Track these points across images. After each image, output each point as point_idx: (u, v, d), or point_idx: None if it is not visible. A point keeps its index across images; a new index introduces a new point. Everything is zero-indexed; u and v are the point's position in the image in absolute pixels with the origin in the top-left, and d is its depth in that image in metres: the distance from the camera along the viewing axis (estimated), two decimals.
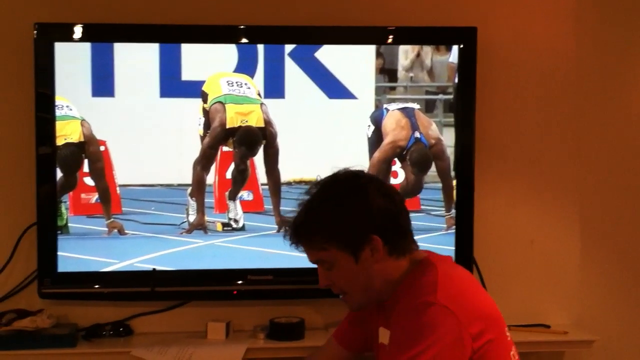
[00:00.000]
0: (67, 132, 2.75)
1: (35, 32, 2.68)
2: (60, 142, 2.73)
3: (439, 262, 1.96)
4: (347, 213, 1.92)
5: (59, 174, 2.75)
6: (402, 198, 2.06)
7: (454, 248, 2.86)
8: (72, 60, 2.73)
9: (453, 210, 2.89)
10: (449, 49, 2.88)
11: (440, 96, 2.94)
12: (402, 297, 1.93)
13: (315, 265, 2.75)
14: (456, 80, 2.86)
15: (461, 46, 2.84)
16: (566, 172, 3.03)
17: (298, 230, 1.97)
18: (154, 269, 2.75)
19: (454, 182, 2.89)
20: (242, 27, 2.78)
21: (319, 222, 1.94)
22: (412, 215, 2.85)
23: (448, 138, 2.89)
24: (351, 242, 1.91)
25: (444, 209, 2.91)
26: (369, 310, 2.11)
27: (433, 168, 2.90)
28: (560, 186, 3.03)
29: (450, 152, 2.89)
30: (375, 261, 1.93)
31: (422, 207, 2.93)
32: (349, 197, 1.93)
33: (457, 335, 1.79)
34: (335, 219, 1.92)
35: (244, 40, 2.79)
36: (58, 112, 2.72)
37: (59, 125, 2.72)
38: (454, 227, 2.89)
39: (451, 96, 2.90)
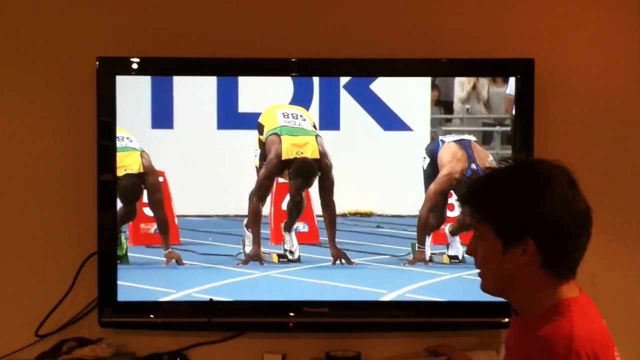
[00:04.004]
0: (127, 163, 2.80)
1: (97, 65, 2.74)
2: (120, 172, 2.79)
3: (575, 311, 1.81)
4: (515, 206, 1.79)
5: (119, 204, 2.81)
6: (589, 211, 1.86)
7: None
8: (132, 92, 2.79)
9: None
10: (505, 81, 2.86)
11: (498, 128, 2.91)
12: (537, 326, 1.81)
13: (370, 299, 2.79)
14: (513, 112, 2.84)
15: (518, 77, 2.82)
16: (629, 206, 2.97)
17: (471, 193, 1.88)
18: (210, 299, 2.77)
19: None
20: (297, 59, 2.81)
21: (489, 197, 1.83)
22: None
23: None
24: (506, 233, 1.80)
25: None
26: None
27: None
28: (623, 219, 2.96)
29: None
30: (524, 263, 1.80)
31: None
32: (530, 191, 1.79)
33: None
34: (502, 203, 1.81)
35: (300, 73, 2.82)
36: (119, 144, 2.77)
37: (119, 156, 2.77)
38: None
39: (508, 128, 2.87)
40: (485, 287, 1.91)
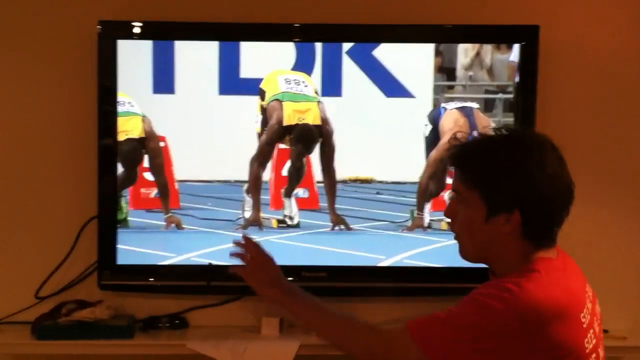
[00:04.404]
0: (128, 128, 2.80)
1: (98, 29, 2.73)
2: (121, 137, 2.79)
3: (537, 276, 1.79)
4: (508, 177, 1.80)
5: (120, 168, 2.81)
6: (572, 189, 1.86)
7: None
8: (133, 57, 2.78)
9: None
10: (509, 48, 2.83)
11: (500, 95, 2.89)
12: None
13: (368, 264, 2.79)
14: (517, 80, 2.82)
15: (522, 44, 2.79)
16: (627, 174, 2.96)
17: (461, 155, 1.87)
18: (210, 264, 2.79)
19: None
20: (300, 25, 2.79)
21: (481, 166, 1.83)
22: None
23: None
24: (493, 201, 1.81)
25: None
26: None
27: None
28: (620, 187, 2.96)
29: None
30: (504, 233, 1.81)
31: None
32: (524, 164, 1.79)
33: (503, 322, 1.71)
34: (494, 174, 1.81)
35: (302, 39, 2.80)
36: (120, 108, 2.77)
37: (120, 121, 2.78)
38: None
39: (511, 95, 2.85)
40: (463, 253, 1.91)
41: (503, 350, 1.73)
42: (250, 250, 2.15)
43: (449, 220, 1.93)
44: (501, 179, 1.80)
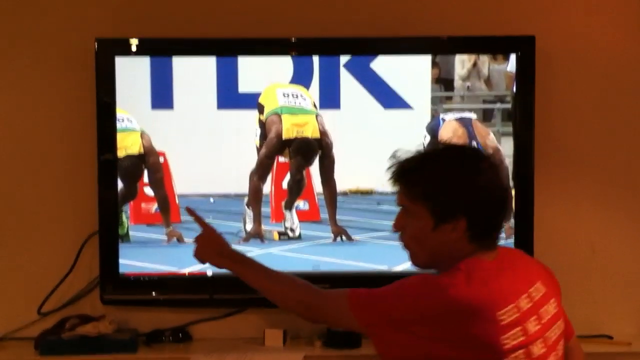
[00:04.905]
0: (127, 144, 2.82)
1: (96, 46, 2.75)
2: (121, 153, 2.81)
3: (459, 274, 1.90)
4: (452, 187, 1.90)
5: (120, 184, 2.83)
6: (509, 197, 2.07)
7: None
8: (132, 73, 2.80)
9: (512, 220, 2.85)
10: (506, 58, 2.85)
11: (498, 105, 2.91)
12: None
13: (371, 269, 2.79)
14: (514, 89, 2.83)
15: (519, 54, 2.81)
16: (628, 181, 2.97)
17: (403, 174, 1.96)
18: (212, 276, 2.80)
19: (513, 192, 2.85)
20: (297, 39, 2.80)
21: (425, 179, 1.93)
22: None
23: (506, 147, 2.86)
24: (440, 212, 1.90)
25: None
26: None
27: None
28: (621, 194, 2.97)
29: (508, 161, 2.85)
30: (452, 239, 1.91)
31: None
32: (464, 173, 1.92)
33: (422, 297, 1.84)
34: (439, 185, 1.91)
35: (300, 52, 2.82)
36: (119, 125, 2.79)
37: (119, 137, 2.79)
38: (513, 236, 2.85)
39: (509, 105, 2.86)
40: (414, 261, 2.00)
41: (420, 334, 1.84)
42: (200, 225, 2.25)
43: (398, 232, 2.02)
44: (443, 190, 1.91)
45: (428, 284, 1.86)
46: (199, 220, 2.23)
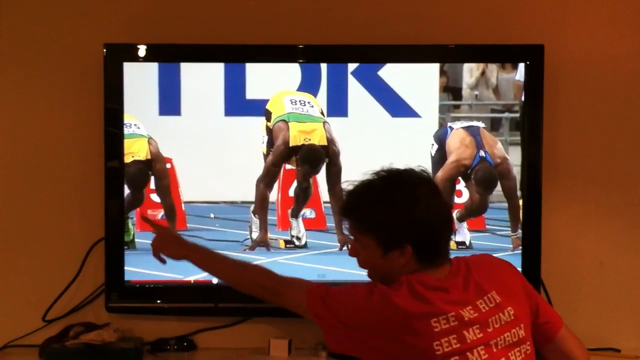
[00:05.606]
0: (134, 150, 2.81)
1: (104, 52, 2.75)
2: (128, 159, 2.80)
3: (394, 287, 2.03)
4: (393, 220, 2.04)
5: (127, 190, 2.82)
6: (450, 211, 2.21)
7: (520, 269, 2.80)
8: (139, 79, 2.80)
9: (519, 231, 2.84)
10: (515, 67, 2.84)
11: (506, 114, 2.90)
12: None
13: None
14: (523, 98, 2.82)
15: (527, 64, 2.80)
16: (638, 192, 2.95)
17: (349, 211, 2.13)
18: (217, 284, 2.78)
19: (520, 202, 2.84)
20: (305, 46, 2.81)
21: (368, 215, 2.07)
22: (477, 235, 2.90)
23: (514, 157, 2.85)
24: (386, 242, 2.05)
25: (509, 229, 2.87)
26: None
27: (498, 187, 2.86)
28: (630, 206, 2.96)
29: (516, 171, 2.84)
30: (402, 263, 2.06)
31: (488, 227, 2.90)
32: (403, 205, 2.04)
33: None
34: (381, 220, 2.05)
35: (307, 60, 2.82)
36: (126, 130, 2.79)
37: (126, 143, 2.79)
38: (520, 247, 2.84)
39: (517, 114, 2.85)
40: (370, 278, 2.16)
41: (362, 338, 2.01)
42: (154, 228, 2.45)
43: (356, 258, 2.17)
44: (386, 224, 2.05)
45: (374, 292, 2.01)
46: (152, 224, 2.46)
